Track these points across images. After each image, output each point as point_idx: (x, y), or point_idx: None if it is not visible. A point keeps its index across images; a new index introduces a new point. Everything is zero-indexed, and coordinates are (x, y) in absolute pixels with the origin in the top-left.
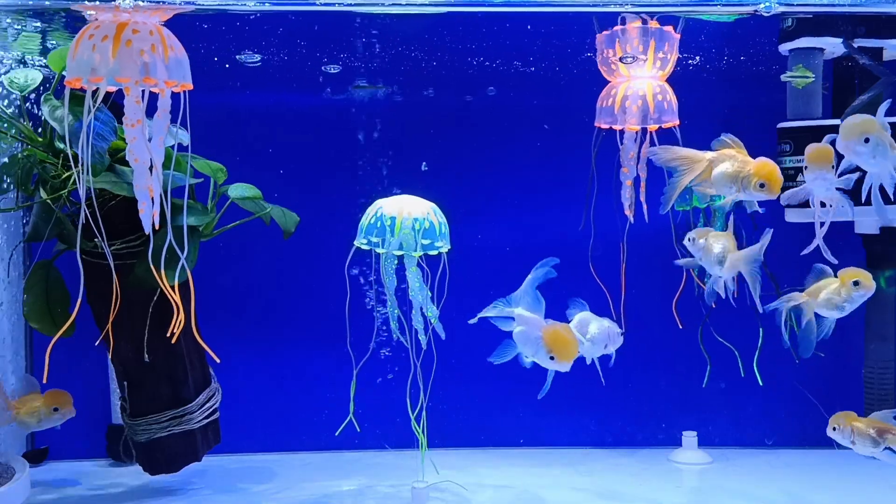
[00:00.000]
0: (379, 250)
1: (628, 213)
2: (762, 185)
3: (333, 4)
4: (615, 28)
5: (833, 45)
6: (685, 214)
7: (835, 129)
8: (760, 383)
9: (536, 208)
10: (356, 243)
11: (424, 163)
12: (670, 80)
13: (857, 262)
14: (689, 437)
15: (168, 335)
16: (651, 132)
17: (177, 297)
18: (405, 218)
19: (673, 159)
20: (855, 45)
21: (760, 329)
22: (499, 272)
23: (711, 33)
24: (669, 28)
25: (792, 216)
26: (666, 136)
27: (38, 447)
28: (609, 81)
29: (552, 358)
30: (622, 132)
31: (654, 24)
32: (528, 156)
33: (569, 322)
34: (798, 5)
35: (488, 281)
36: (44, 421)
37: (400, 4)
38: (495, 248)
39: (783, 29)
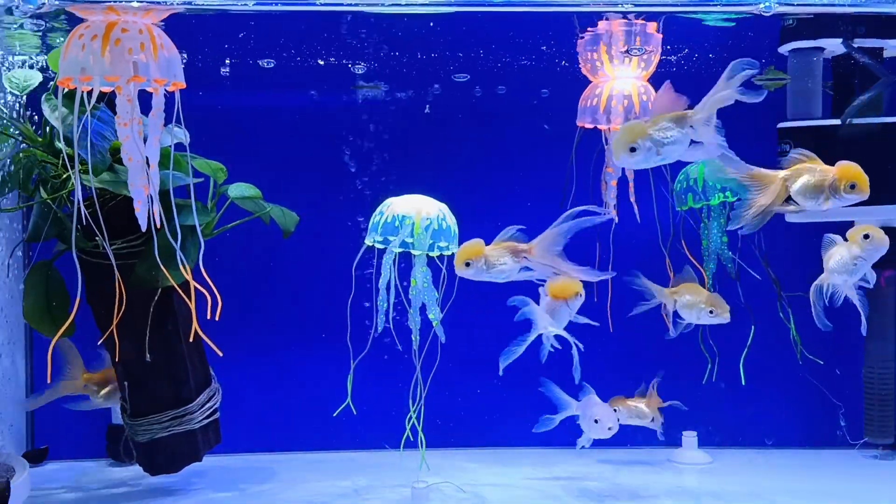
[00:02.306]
0: (395, 249)
1: (613, 212)
2: (853, 187)
3: (333, 4)
4: (599, 28)
5: (833, 45)
6: (679, 215)
7: (835, 128)
8: (743, 382)
9: (539, 208)
10: (368, 241)
11: (428, 106)
12: (672, 80)
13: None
14: (689, 437)
15: (168, 334)
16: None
17: (188, 294)
18: (423, 218)
19: (744, 177)
20: (855, 45)
21: (752, 327)
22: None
23: (711, 33)
24: (653, 28)
25: (792, 216)
26: None
27: (38, 447)
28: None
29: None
30: (604, 131)
31: (639, 25)
32: (531, 155)
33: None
34: (798, 5)
35: (489, 282)
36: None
37: (400, 4)
38: None
39: (783, 29)
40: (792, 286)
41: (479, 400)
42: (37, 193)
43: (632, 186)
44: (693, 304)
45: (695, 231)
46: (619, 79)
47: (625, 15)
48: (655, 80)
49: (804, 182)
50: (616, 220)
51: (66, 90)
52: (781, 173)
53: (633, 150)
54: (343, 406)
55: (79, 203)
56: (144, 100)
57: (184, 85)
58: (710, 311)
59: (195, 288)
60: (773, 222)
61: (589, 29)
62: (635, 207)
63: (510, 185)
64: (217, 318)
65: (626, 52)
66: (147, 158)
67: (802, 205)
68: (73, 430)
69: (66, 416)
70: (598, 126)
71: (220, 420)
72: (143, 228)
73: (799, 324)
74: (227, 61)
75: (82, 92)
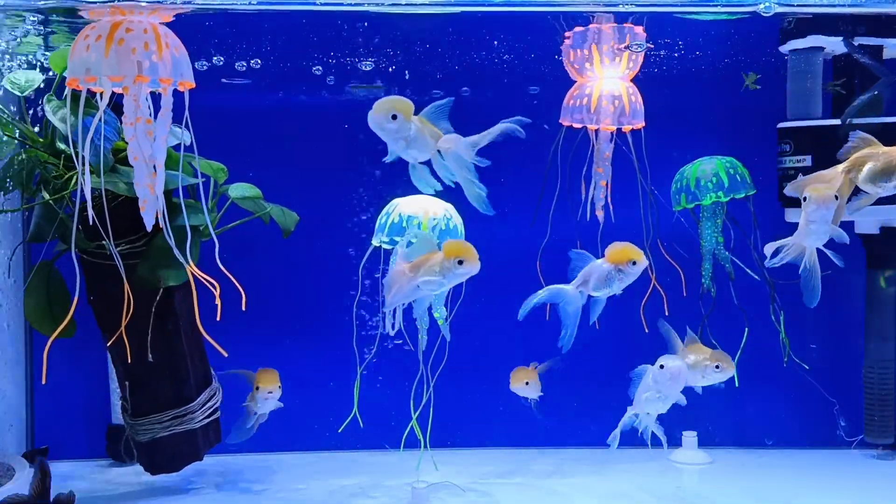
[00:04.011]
0: (401, 250)
1: (599, 213)
2: None
3: (333, 4)
4: (590, 27)
5: (833, 45)
6: (668, 215)
7: (835, 128)
8: (737, 384)
9: (542, 208)
10: (375, 242)
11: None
12: (672, 80)
13: (857, 262)
14: (689, 437)
15: (169, 334)
16: (612, 132)
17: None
18: (431, 219)
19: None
20: (855, 45)
21: (746, 330)
22: (504, 272)
23: (711, 33)
24: (639, 28)
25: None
26: (635, 137)
27: (38, 447)
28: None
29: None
30: (594, 131)
31: (627, 25)
32: (532, 155)
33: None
34: (798, 5)
35: (494, 281)
36: (260, 404)
37: (400, 4)
38: (502, 248)
39: (783, 29)
40: (789, 286)
41: (482, 400)
42: (38, 194)
43: (609, 188)
44: (698, 363)
45: (688, 231)
46: (607, 78)
47: (623, 15)
48: (651, 80)
49: (870, 169)
50: (601, 220)
51: (69, 91)
52: (840, 167)
53: (394, 117)
54: (350, 418)
55: (83, 204)
56: (157, 102)
57: (192, 84)
58: (717, 367)
59: (197, 288)
60: (770, 223)
61: (577, 28)
62: (610, 208)
63: (514, 184)
64: (219, 317)
65: (627, 47)
66: (154, 158)
67: (873, 192)
68: (73, 430)
69: (66, 416)
70: (588, 126)
71: (221, 419)
72: (149, 228)
73: (798, 324)
74: (228, 61)
75: (94, 93)
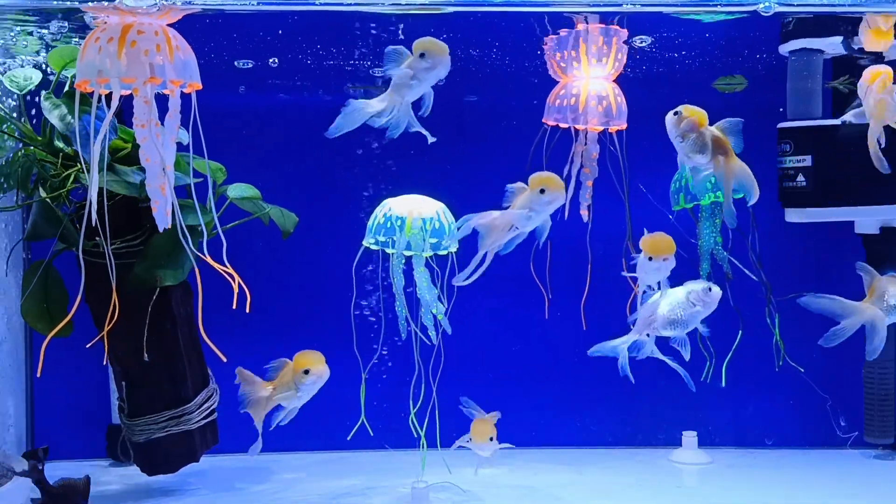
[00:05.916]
0: (389, 250)
1: (584, 212)
2: None
3: (333, 4)
4: (577, 27)
5: (833, 45)
6: (658, 214)
7: (835, 128)
8: (723, 384)
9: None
10: (365, 243)
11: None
12: (672, 79)
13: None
14: (689, 437)
15: (166, 335)
16: (594, 133)
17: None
18: (415, 218)
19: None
20: (855, 45)
21: (740, 332)
22: (506, 271)
23: (710, 33)
24: (624, 30)
25: (792, 216)
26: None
27: (37, 447)
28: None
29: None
30: (577, 132)
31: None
32: (535, 154)
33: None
34: (798, 5)
35: (496, 280)
36: (302, 387)
37: (400, 4)
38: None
39: (783, 29)
40: (787, 287)
41: (479, 399)
42: (36, 192)
43: (590, 193)
44: None
45: (678, 229)
46: (593, 78)
47: (610, 15)
48: (651, 80)
49: None
50: (585, 220)
51: (66, 89)
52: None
53: (422, 55)
54: (357, 426)
55: (83, 203)
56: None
57: (200, 86)
58: None
59: (196, 289)
60: (770, 223)
61: (562, 30)
62: (590, 211)
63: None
64: (234, 305)
65: (628, 42)
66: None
67: None
68: (73, 430)
69: (66, 416)
70: (576, 126)
71: (218, 420)
72: (161, 229)
73: (798, 323)
74: (228, 61)
75: (92, 93)
